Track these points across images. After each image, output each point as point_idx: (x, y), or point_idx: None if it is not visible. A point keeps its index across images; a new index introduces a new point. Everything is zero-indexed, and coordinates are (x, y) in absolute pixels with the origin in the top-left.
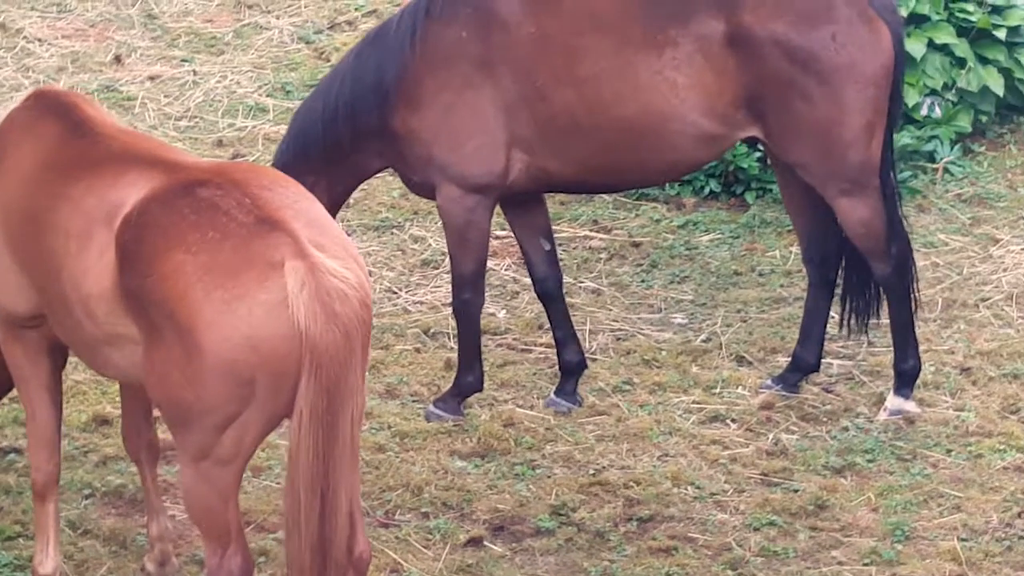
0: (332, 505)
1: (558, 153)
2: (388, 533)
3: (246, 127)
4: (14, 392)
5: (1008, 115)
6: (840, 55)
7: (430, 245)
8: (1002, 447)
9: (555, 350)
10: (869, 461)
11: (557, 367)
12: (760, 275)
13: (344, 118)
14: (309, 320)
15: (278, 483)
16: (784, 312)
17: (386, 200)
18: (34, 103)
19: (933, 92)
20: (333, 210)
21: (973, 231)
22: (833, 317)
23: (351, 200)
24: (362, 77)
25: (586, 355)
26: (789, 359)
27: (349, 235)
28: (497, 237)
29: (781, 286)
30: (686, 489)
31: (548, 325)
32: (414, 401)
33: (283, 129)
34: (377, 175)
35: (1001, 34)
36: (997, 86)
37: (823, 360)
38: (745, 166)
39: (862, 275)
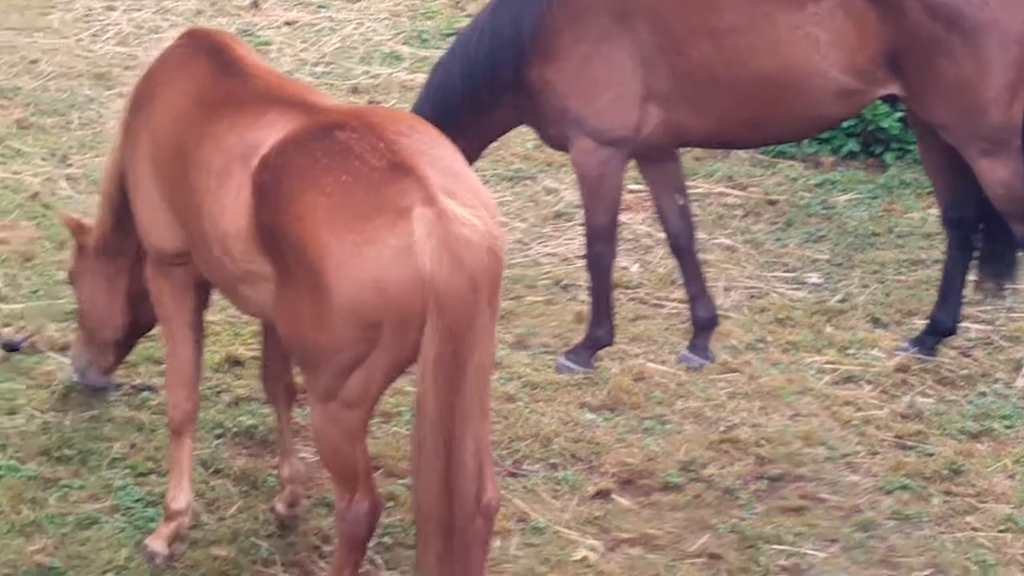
0: (458, 452)
1: (694, 107)
2: (516, 483)
3: (381, 74)
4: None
5: None
6: (984, 12)
7: (563, 197)
8: None
9: (687, 305)
10: (1007, 427)
11: (689, 323)
12: (898, 236)
13: (483, 72)
14: (435, 266)
15: (408, 429)
16: (922, 274)
17: (520, 151)
18: (188, 41)
19: None
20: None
21: None
22: (972, 281)
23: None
24: (500, 30)
25: (719, 312)
26: (926, 322)
27: None
28: (631, 191)
29: (920, 248)
30: (818, 449)
31: (681, 280)
32: (544, 352)
33: (419, 77)
34: None
35: None
36: None
37: (961, 324)
38: (885, 126)
39: (1002, 238)
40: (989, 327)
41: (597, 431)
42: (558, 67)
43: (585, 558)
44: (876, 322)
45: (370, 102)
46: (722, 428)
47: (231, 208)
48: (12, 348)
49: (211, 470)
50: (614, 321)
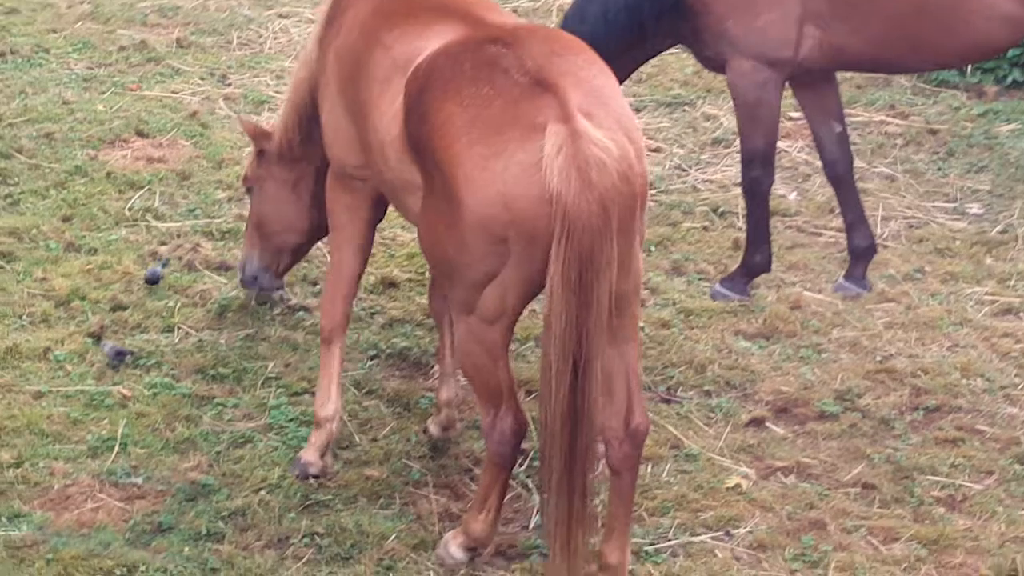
0: (585, 375)
1: (852, 30)
2: (669, 409)
3: None
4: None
5: None
6: None
7: (721, 124)
8: None
9: (845, 234)
10: None
11: (846, 251)
12: None
13: None
14: (562, 184)
15: None
16: None
17: (679, 77)
18: None
19: None
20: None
21: None
22: None
23: (643, 76)
24: None
25: (877, 241)
26: None
27: (639, 111)
28: (790, 118)
29: None
30: (975, 381)
31: (839, 209)
32: (700, 279)
33: None
34: (670, 51)
35: None
36: None
37: None
38: None
39: None
40: None
41: (752, 359)
42: None
43: (738, 485)
44: None
45: None
46: (879, 358)
47: (388, 115)
48: (154, 280)
49: (364, 391)
50: (771, 249)
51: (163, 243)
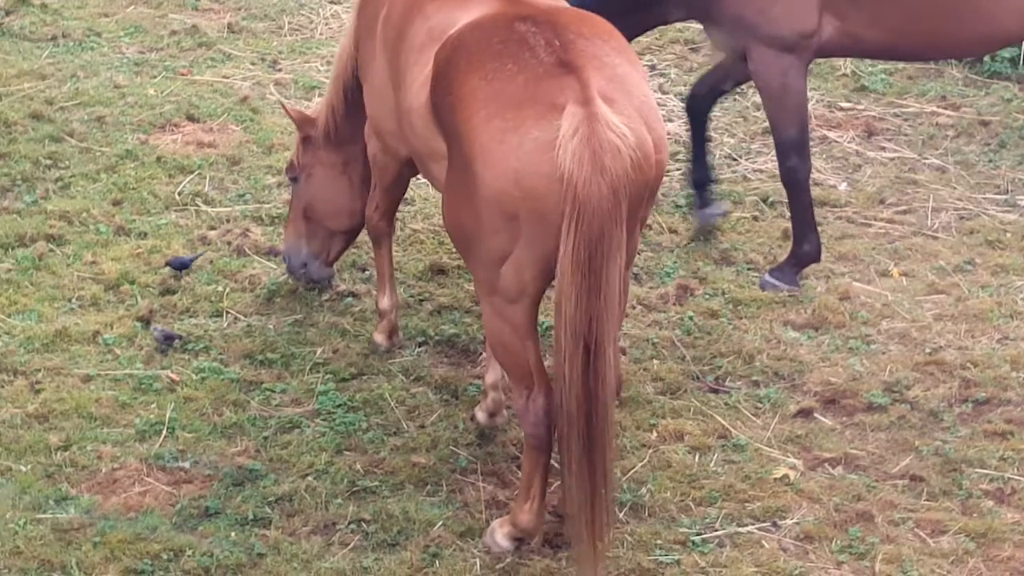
0: (597, 357)
1: (869, 19)
2: (718, 399)
3: None
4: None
5: None
6: None
7: None
8: None
9: (893, 226)
10: None
11: (894, 244)
12: None
13: None
14: (574, 166)
15: None
16: None
17: None
18: None
19: None
20: None
21: None
22: None
23: (694, 67)
24: None
25: (927, 232)
26: None
27: None
28: (840, 108)
29: None
30: None
31: (890, 201)
32: (749, 269)
33: None
34: None
35: None
36: None
37: None
38: None
39: None
40: None
41: (800, 349)
42: None
43: (785, 476)
44: None
45: None
46: (928, 350)
47: (416, 84)
48: (182, 266)
49: (412, 378)
50: (820, 238)
51: (212, 228)
